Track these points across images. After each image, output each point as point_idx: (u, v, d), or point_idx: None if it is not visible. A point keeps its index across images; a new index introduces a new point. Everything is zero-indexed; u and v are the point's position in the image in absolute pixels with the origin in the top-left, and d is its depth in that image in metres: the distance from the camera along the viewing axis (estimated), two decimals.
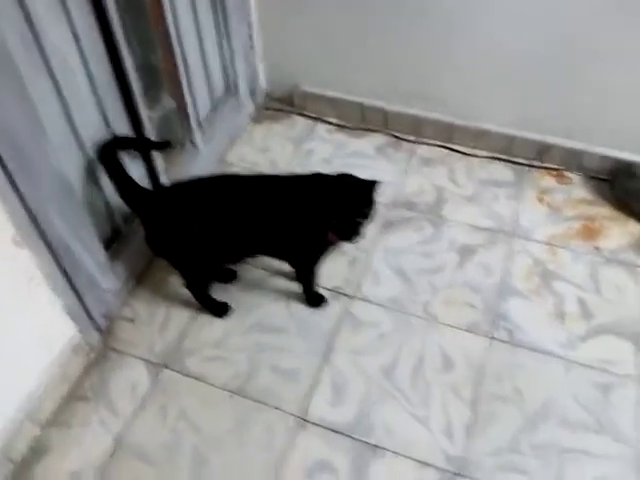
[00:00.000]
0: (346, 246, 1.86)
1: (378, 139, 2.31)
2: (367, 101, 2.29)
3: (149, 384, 1.65)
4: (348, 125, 2.35)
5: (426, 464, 1.51)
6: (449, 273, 1.90)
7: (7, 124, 1.22)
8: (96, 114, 1.59)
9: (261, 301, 1.83)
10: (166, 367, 1.69)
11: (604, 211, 2.06)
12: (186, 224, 1.54)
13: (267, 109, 2.42)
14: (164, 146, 1.76)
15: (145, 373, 1.67)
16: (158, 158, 1.84)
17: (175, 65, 1.82)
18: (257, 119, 2.38)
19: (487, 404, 1.61)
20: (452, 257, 1.94)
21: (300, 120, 2.39)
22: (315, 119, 2.36)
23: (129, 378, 1.66)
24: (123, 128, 1.70)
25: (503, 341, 1.73)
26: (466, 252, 1.95)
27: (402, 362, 1.69)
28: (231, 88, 2.24)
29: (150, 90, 1.75)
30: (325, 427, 1.57)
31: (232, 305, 1.80)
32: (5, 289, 1.36)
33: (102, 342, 1.70)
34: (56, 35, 1.38)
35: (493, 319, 1.78)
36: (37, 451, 1.51)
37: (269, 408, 1.61)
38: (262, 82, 2.38)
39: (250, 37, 2.20)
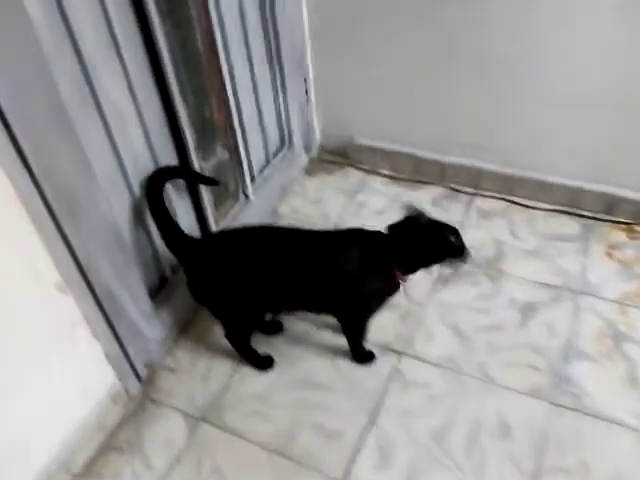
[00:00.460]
0: (397, 299, 1.80)
1: (434, 191, 2.25)
2: (422, 153, 2.24)
3: (186, 437, 1.58)
4: (402, 177, 2.30)
5: None
6: (509, 332, 1.76)
7: (58, 171, 1.25)
8: (149, 162, 1.62)
9: (306, 355, 1.75)
10: (205, 421, 1.62)
11: None
12: (228, 274, 1.52)
13: (321, 161, 2.41)
14: (211, 182, 1.75)
15: (183, 426, 1.61)
16: (208, 207, 1.85)
17: (230, 117, 1.85)
18: (310, 171, 2.38)
19: (549, 477, 1.44)
20: (513, 315, 1.80)
21: (353, 172, 2.36)
22: (369, 171, 2.33)
23: (166, 431, 1.60)
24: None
25: (568, 408, 1.57)
26: (528, 310, 1.81)
27: (455, 426, 1.56)
28: (286, 141, 2.26)
29: (203, 141, 1.78)
30: None
31: (276, 358, 1.74)
32: (46, 334, 1.36)
33: (142, 392, 1.67)
34: (110, 82, 1.43)
35: (558, 383, 1.62)
36: None
37: (309, 471, 1.51)
38: (317, 135, 2.39)
39: (306, 91, 2.23)
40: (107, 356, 1.53)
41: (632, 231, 2.01)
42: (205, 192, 1.82)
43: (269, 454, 1.54)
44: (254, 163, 2.08)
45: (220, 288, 1.54)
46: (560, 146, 2.01)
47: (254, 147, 2.05)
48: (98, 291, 1.44)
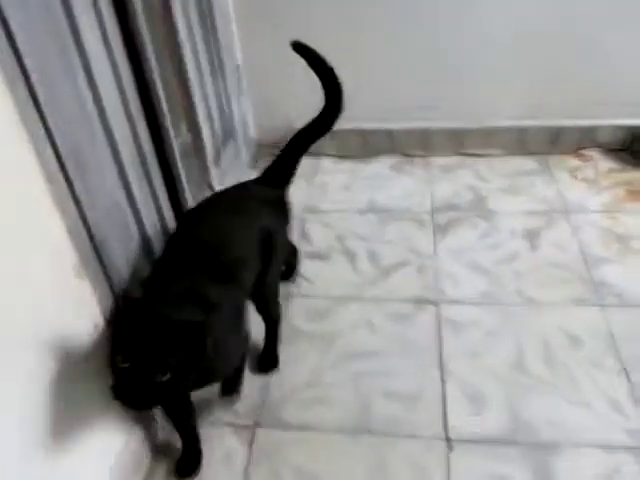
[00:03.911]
0: (404, 256, 1.71)
1: (389, 160, 2.20)
2: (368, 125, 2.20)
3: (246, 452, 1.29)
4: (353, 154, 2.23)
5: (610, 447, 1.25)
6: (526, 257, 1.73)
7: (64, 115, 0.98)
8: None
9: (339, 330, 1.56)
10: (259, 426, 1.34)
11: (637, 175, 2.03)
12: None
13: (264, 154, 2.24)
14: None
15: (235, 441, 1.31)
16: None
17: (187, 93, 1.64)
18: (258, 165, 2.20)
19: (634, 366, 1.40)
20: (521, 243, 1.78)
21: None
22: (317, 155, 2.21)
23: (221, 450, 1.29)
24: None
25: (616, 306, 1.56)
26: (532, 235, 1.80)
27: (527, 352, 1.46)
28: (229, 133, 2.06)
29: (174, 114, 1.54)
30: (481, 442, 1.28)
31: (309, 340, 1.52)
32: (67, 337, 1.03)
33: None
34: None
35: (595, 288, 1.61)
36: None
37: (403, 439, 1.30)
38: (255, 125, 2.24)
39: (239, 79, 2.08)
40: None
41: (581, 155, 2.13)
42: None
43: (354, 436, 1.31)
44: (213, 152, 1.85)
45: None
46: (499, 91, 2.09)
47: (208, 135, 1.83)
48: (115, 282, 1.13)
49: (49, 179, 0.94)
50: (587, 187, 1.99)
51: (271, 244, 1.30)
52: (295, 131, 1.46)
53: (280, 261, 1.46)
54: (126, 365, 0.92)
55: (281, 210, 1.42)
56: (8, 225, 0.86)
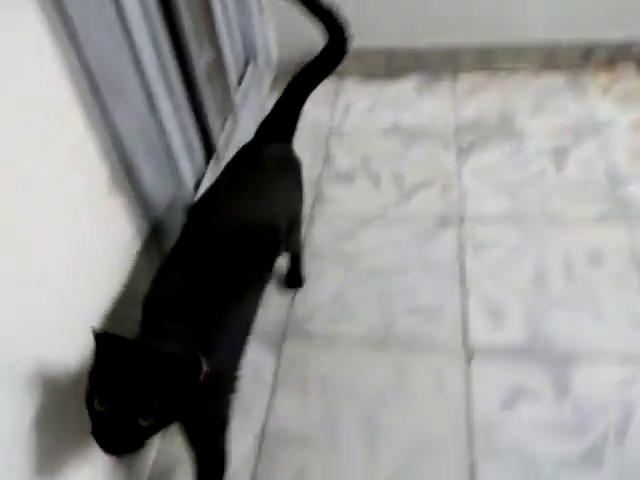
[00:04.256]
0: (428, 175, 1.71)
1: (414, 80, 2.15)
2: (392, 43, 2.14)
3: (273, 365, 1.36)
4: (377, 73, 2.18)
5: (627, 359, 1.28)
6: (552, 176, 1.72)
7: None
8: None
9: (364, 251, 1.59)
10: (285, 340, 1.41)
11: None
12: None
13: (285, 76, 2.21)
14: None
15: (263, 355, 1.37)
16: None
17: (210, 14, 1.61)
18: (278, 85, 2.17)
19: None
20: (547, 161, 1.76)
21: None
22: (340, 76, 2.17)
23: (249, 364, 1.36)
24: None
25: None
26: (559, 154, 1.78)
27: (550, 268, 1.48)
28: (250, 53, 2.03)
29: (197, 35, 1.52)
30: (500, 353, 1.32)
31: (332, 264, 1.56)
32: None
33: None
34: None
35: (620, 206, 1.60)
36: None
37: (425, 351, 1.35)
38: (276, 46, 2.20)
39: None
40: None
41: (614, 70, 2.06)
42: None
43: (377, 348, 1.37)
44: (235, 73, 1.84)
45: None
46: (530, 3, 2.00)
47: (231, 53, 1.81)
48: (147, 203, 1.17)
49: (83, 101, 0.97)
50: (617, 103, 1.93)
51: (294, 209, 1.25)
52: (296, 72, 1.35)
53: (301, 217, 1.36)
54: (102, 409, 0.79)
55: (294, 169, 1.29)
56: (46, 144, 0.90)
